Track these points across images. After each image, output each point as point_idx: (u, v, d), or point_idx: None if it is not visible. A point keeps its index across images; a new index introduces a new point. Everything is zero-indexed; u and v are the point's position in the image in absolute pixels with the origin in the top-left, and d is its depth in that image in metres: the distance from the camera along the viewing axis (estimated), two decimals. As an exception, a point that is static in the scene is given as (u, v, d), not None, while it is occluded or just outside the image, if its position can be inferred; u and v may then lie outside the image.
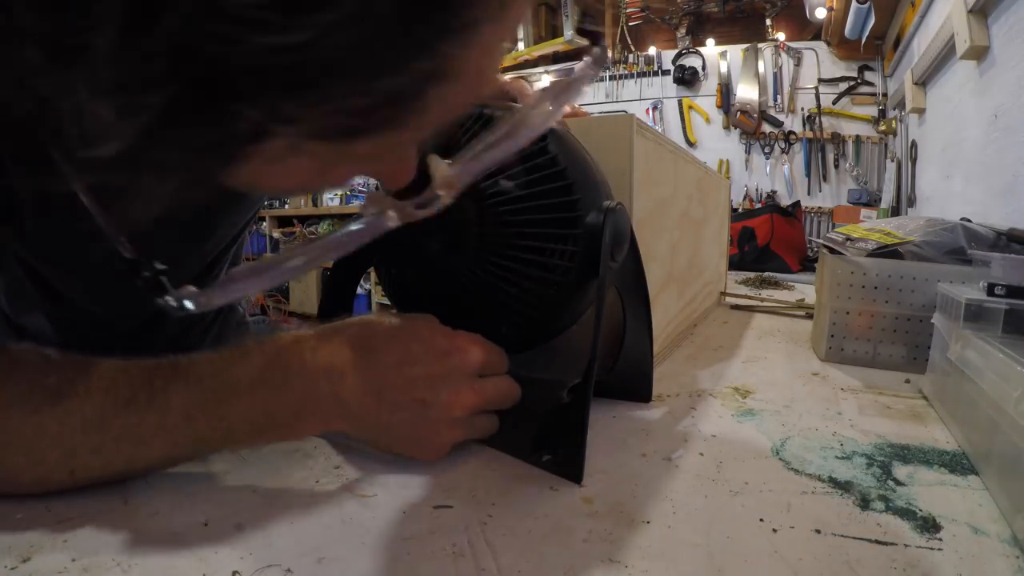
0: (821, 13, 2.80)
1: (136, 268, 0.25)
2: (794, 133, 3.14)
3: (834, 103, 3.05)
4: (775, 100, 3.19)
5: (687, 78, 3.36)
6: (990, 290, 0.49)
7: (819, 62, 3.08)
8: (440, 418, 0.39)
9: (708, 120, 3.37)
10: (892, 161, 2.50)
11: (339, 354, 0.37)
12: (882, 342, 0.68)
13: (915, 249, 0.71)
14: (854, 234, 0.79)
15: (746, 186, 3.25)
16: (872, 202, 2.89)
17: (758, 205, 3.07)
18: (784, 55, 3.14)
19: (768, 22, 3.25)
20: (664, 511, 0.36)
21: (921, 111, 2.02)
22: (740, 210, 2.71)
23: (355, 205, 3.70)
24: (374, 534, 0.33)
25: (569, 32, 3.22)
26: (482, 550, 0.31)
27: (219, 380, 0.35)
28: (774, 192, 3.20)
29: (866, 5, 2.25)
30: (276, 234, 3.89)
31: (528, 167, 0.40)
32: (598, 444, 0.44)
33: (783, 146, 3.17)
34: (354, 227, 0.26)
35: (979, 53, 1.32)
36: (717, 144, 3.34)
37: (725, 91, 3.28)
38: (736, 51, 3.25)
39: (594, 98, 3.56)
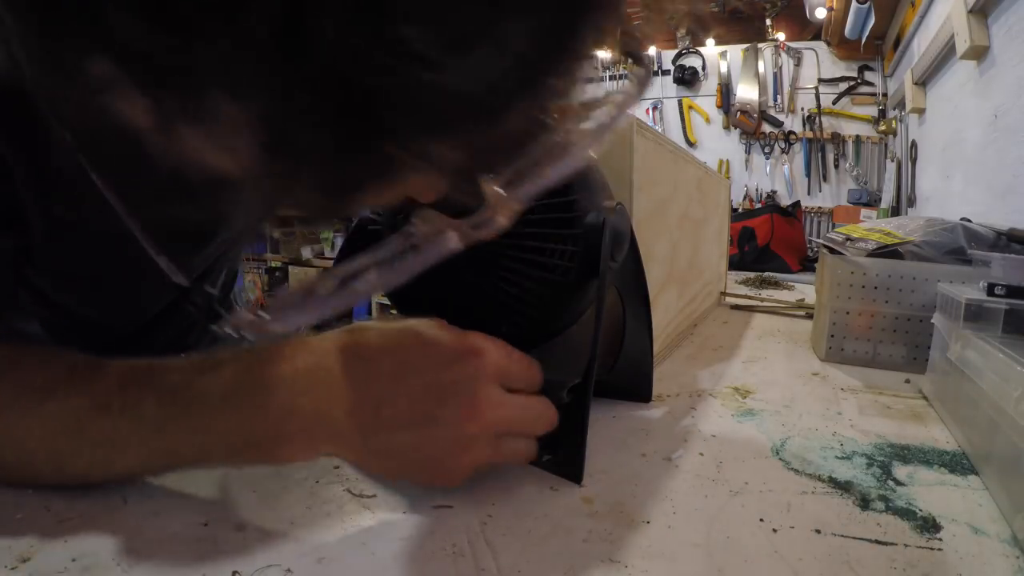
0: (821, 13, 2.80)
1: (187, 295, 0.25)
2: (794, 133, 3.14)
3: (834, 103, 3.05)
4: (775, 100, 3.19)
5: (687, 78, 3.36)
6: (990, 290, 0.49)
7: (819, 62, 3.08)
8: (451, 436, 0.33)
9: (708, 120, 3.37)
10: (892, 161, 2.50)
11: (324, 364, 0.32)
12: (882, 342, 0.68)
13: (915, 249, 0.71)
14: (854, 234, 0.79)
15: (746, 186, 3.25)
16: (872, 202, 2.89)
17: (758, 205, 3.07)
18: (784, 55, 3.14)
19: (768, 22, 3.25)
20: (664, 511, 0.36)
21: (921, 111, 2.02)
22: (740, 210, 2.71)
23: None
24: (374, 534, 0.33)
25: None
26: (482, 550, 0.31)
27: (190, 392, 0.33)
28: (774, 192, 3.21)
29: (866, 5, 2.26)
30: (276, 234, 3.88)
31: None
32: (598, 444, 0.44)
33: (783, 146, 3.17)
34: (415, 252, 0.24)
35: (979, 53, 1.32)
36: (717, 144, 3.34)
37: (725, 91, 3.28)
38: (736, 51, 3.25)
39: (594, 98, 3.55)
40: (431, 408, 0.33)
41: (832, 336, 0.69)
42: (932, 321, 0.57)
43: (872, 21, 2.35)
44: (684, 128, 3.40)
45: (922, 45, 1.90)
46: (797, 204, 2.59)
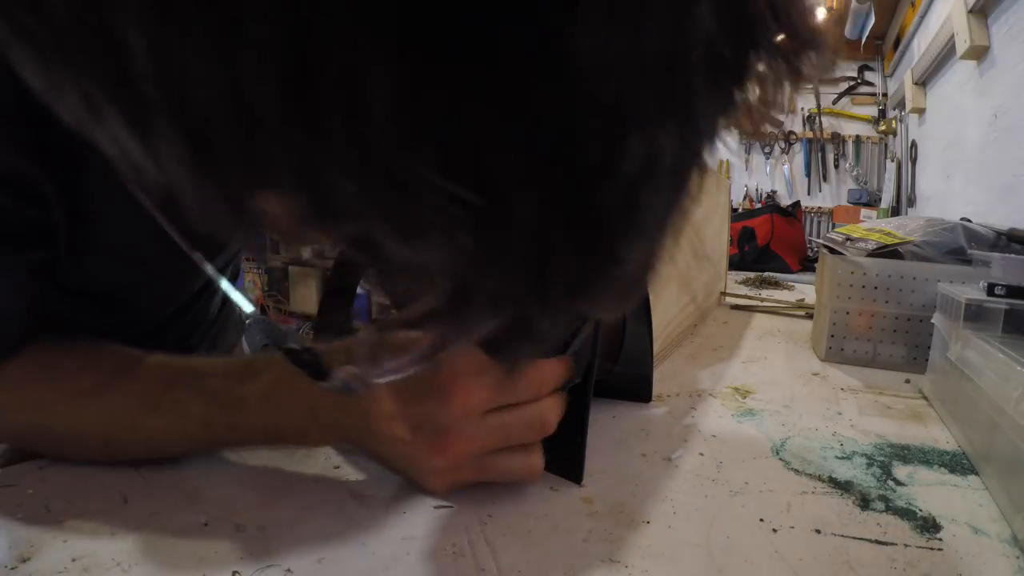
0: (821, 13, 2.79)
1: (295, 356, 0.27)
2: (794, 133, 3.14)
3: (834, 103, 3.05)
4: (775, 100, 3.18)
5: (687, 78, 3.36)
6: (990, 290, 0.49)
7: (819, 62, 3.08)
8: (423, 465, 0.36)
9: (708, 120, 3.36)
10: (892, 161, 2.50)
11: None
12: (882, 342, 0.68)
13: (915, 249, 0.71)
14: (854, 234, 0.79)
15: (746, 186, 3.25)
16: (872, 202, 2.89)
17: (758, 205, 3.07)
18: (784, 55, 3.14)
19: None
20: (664, 511, 0.36)
21: (921, 111, 2.02)
22: (740, 210, 2.71)
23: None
24: (374, 534, 0.33)
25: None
26: (482, 550, 0.31)
27: (232, 396, 0.38)
28: (774, 192, 3.21)
29: (866, 5, 2.26)
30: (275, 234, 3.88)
31: None
32: (598, 444, 0.44)
33: (783, 146, 3.17)
34: None
35: (979, 53, 1.32)
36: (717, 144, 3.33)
37: (725, 91, 3.28)
38: (736, 51, 3.25)
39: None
40: (404, 433, 0.35)
41: (832, 336, 0.69)
42: (932, 321, 0.57)
43: (872, 21, 2.35)
44: (684, 128, 3.40)
45: (922, 45, 1.90)
46: (797, 204, 2.59)
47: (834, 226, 2.74)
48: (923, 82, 1.95)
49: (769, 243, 1.97)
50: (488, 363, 0.35)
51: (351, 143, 0.11)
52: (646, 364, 0.53)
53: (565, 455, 0.39)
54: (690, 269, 0.81)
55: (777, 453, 0.44)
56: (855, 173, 3.02)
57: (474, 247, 0.13)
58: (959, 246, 0.70)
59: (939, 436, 0.48)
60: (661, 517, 0.35)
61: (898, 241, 0.72)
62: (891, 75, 2.75)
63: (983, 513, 0.36)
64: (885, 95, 2.88)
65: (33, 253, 0.38)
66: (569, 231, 0.13)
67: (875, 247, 0.72)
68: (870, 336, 0.68)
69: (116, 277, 0.44)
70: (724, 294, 1.13)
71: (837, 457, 0.43)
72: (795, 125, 3.14)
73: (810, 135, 3.10)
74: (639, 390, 0.54)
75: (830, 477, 0.40)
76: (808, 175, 3.13)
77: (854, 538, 0.33)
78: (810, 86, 0.17)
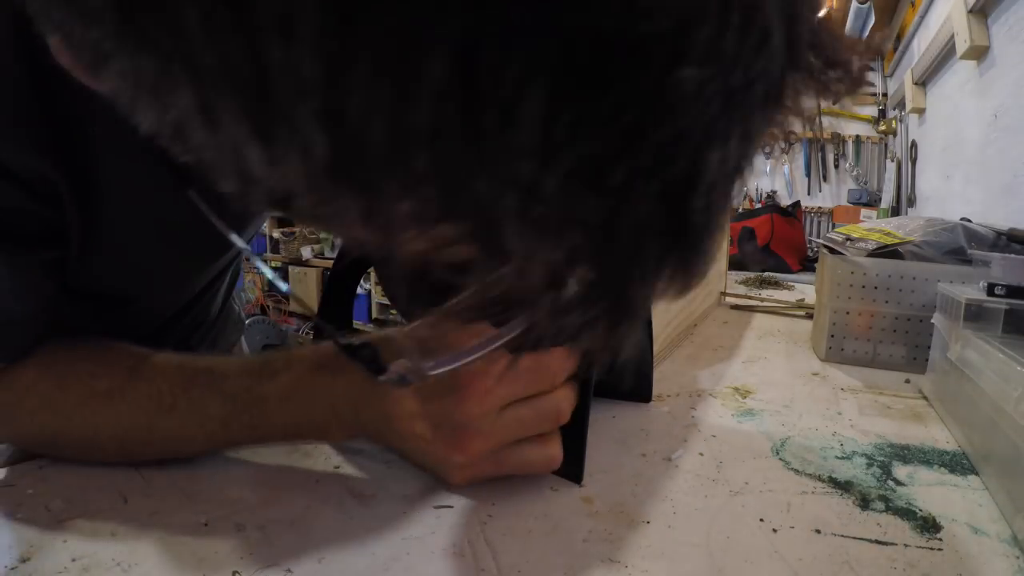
0: (821, 13, 2.79)
1: (353, 352, 0.27)
2: (794, 133, 3.13)
3: (833, 103, 3.04)
4: (775, 100, 3.18)
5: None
6: (990, 290, 0.49)
7: (819, 62, 3.08)
8: (441, 460, 0.36)
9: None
10: (892, 161, 2.50)
11: (352, 383, 0.37)
12: (882, 342, 0.68)
13: (915, 249, 0.71)
14: (854, 234, 0.79)
15: (746, 186, 3.25)
16: (872, 202, 2.89)
17: (758, 205, 3.07)
18: (784, 55, 3.14)
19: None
20: (664, 511, 0.36)
21: (921, 111, 2.02)
22: (740, 210, 2.70)
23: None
24: (374, 534, 0.33)
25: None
26: (482, 550, 0.31)
27: (251, 395, 0.38)
28: (774, 192, 3.20)
29: (866, 5, 2.25)
30: (276, 234, 3.88)
31: None
32: (598, 444, 0.44)
33: (783, 146, 3.16)
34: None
35: (979, 53, 1.32)
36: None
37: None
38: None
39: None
40: (424, 431, 0.36)
41: (832, 336, 0.69)
42: (932, 321, 0.57)
43: (872, 21, 2.35)
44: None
45: (922, 45, 1.90)
46: (797, 204, 2.58)
47: (834, 226, 2.74)
48: (923, 82, 1.95)
49: (769, 243, 1.97)
50: (503, 360, 0.35)
51: (502, 150, 0.13)
52: (646, 364, 0.53)
53: (565, 455, 0.39)
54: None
55: (777, 453, 0.44)
56: (855, 173, 3.01)
57: (590, 240, 0.15)
58: (959, 246, 0.70)
59: (939, 436, 0.48)
60: (661, 517, 0.35)
61: (898, 241, 0.72)
62: (891, 75, 2.74)
63: (983, 513, 0.36)
64: (885, 95, 2.87)
65: (46, 253, 0.38)
66: (667, 228, 0.15)
67: (875, 247, 0.72)
68: (870, 336, 0.68)
69: (120, 279, 0.44)
70: (724, 294, 1.13)
71: (837, 457, 0.43)
72: (795, 125, 3.14)
73: (810, 135, 3.09)
74: (639, 390, 0.54)
75: (830, 477, 0.40)
76: (808, 175, 3.13)
77: (854, 538, 0.33)
78: (836, 103, 0.20)
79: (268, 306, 4.11)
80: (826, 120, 3.05)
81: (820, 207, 3.08)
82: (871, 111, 2.96)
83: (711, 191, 0.15)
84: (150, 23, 0.13)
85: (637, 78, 0.12)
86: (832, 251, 0.75)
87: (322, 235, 3.85)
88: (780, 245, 1.97)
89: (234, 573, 0.29)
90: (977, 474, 0.41)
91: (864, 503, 0.37)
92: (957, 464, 0.43)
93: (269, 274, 0.34)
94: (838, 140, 3.05)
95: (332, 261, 0.52)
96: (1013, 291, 0.48)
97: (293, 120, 0.13)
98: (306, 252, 3.72)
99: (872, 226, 0.82)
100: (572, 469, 0.39)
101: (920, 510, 0.36)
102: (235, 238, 0.28)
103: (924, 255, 0.70)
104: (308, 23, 0.12)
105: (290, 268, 3.85)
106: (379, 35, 0.12)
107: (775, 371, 0.66)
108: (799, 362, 0.70)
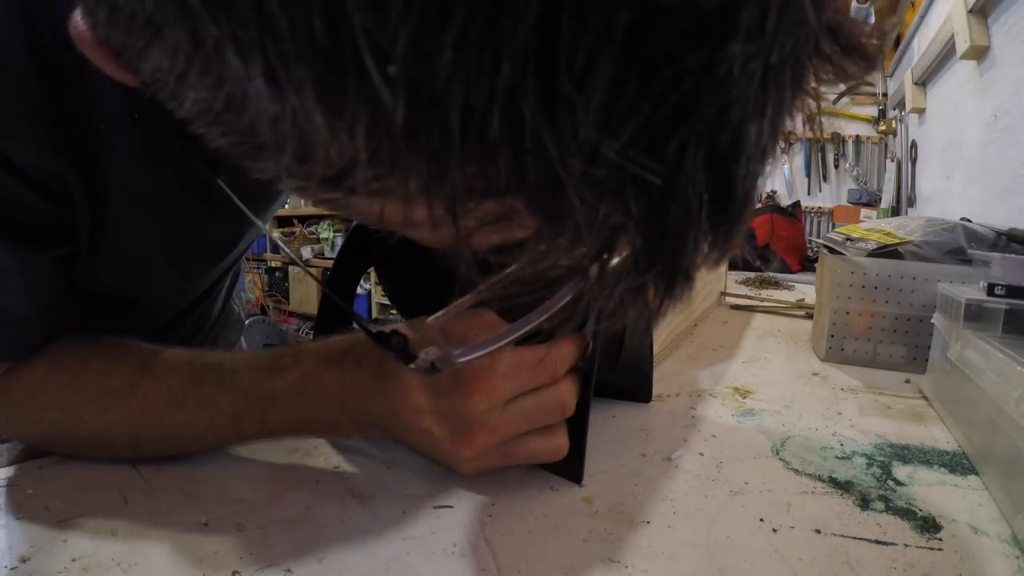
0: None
1: (385, 341, 0.28)
2: (794, 133, 3.13)
3: (835, 102, 3.04)
4: (775, 100, 3.18)
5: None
6: (990, 290, 0.49)
7: (819, 62, 3.08)
8: (452, 455, 0.36)
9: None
10: (892, 161, 2.49)
11: (361, 378, 0.37)
12: (882, 342, 0.68)
13: (915, 249, 0.71)
14: (854, 234, 0.79)
15: (772, 166, 3.24)
16: (872, 202, 2.89)
17: (758, 205, 3.07)
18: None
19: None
20: (664, 511, 0.36)
21: (921, 111, 2.02)
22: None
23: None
24: (374, 534, 0.33)
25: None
26: (482, 550, 0.31)
27: (261, 390, 0.38)
28: (774, 192, 3.20)
29: (866, 5, 2.25)
30: (276, 234, 3.89)
31: None
32: (598, 444, 0.44)
33: (783, 146, 3.16)
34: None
35: (979, 53, 1.32)
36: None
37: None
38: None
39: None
40: (431, 427, 0.36)
41: (832, 336, 0.69)
42: (932, 321, 0.57)
43: (872, 21, 2.35)
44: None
45: (922, 45, 1.90)
46: (797, 204, 2.59)
47: (834, 226, 2.74)
48: (923, 82, 1.95)
49: (769, 243, 1.97)
50: (507, 354, 0.36)
51: (572, 114, 0.13)
52: (646, 364, 0.53)
53: (565, 455, 0.39)
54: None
55: (777, 453, 0.44)
56: (855, 173, 3.01)
57: (648, 202, 0.15)
58: (959, 246, 0.70)
59: (939, 436, 0.48)
60: (661, 517, 0.35)
61: (898, 241, 0.72)
62: (891, 75, 2.74)
63: (983, 513, 0.36)
64: (885, 95, 2.87)
65: (56, 251, 0.38)
66: (715, 195, 0.16)
67: (875, 247, 0.72)
68: (870, 336, 0.68)
69: (123, 280, 0.44)
70: (724, 294, 1.13)
71: (837, 457, 0.43)
72: (796, 121, 3.14)
73: (810, 135, 3.09)
74: (639, 390, 0.54)
75: (830, 477, 0.40)
76: (808, 175, 3.13)
77: (854, 538, 0.33)
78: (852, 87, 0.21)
79: (268, 306, 4.11)
80: (826, 120, 3.04)
81: (820, 207, 3.08)
82: (871, 111, 2.95)
83: (750, 162, 0.16)
84: None
85: (694, 52, 0.13)
86: (832, 251, 0.75)
87: (322, 235, 3.85)
88: (780, 245, 1.97)
89: (234, 573, 0.29)
90: (977, 474, 0.41)
91: (864, 503, 0.37)
92: (957, 464, 0.43)
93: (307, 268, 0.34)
94: (838, 140, 3.05)
95: (332, 261, 0.52)
96: (1013, 291, 0.48)
97: (369, 86, 0.13)
98: (306, 252, 3.72)
99: (872, 226, 0.82)
100: (572, 469, 0.39)
101: (920, 510, 0.36)
102: (261, 225, 0.28)
103: (924, 255, 0.70)
104: None
105: (290, 268, 3.85)
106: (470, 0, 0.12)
107: (775, 371, 0.66)
108: (799, 362, 0.70)
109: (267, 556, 0.30)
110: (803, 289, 1.31)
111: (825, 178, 3.10)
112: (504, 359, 0.35)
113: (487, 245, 0.18)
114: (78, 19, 0.19)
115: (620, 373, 0.50)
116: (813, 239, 2.36)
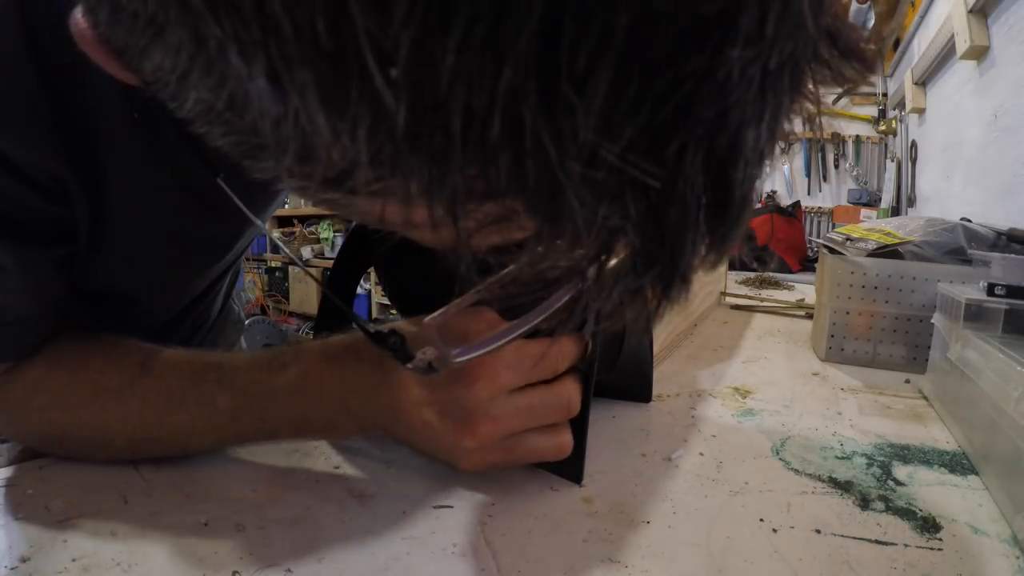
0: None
1: (382, 341, 0.27)
2: (793, 134, 3.13)
3: (834, 103, 3.04)
4: (775, 100, 3.18)
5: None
6: (990, 290, 0.49)
7: (819, 62, 3.08)
8: (452, 447, 0.36)
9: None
10: (892, 161, 2.49)
11: (361, 374, 0.37)
12: (882, 342, 0.68)
13: (915, 249, 0.71)
14: (854, 234, 0.79)
15: (769, 170, 3.24)
16: (872, 202, 2.89)
17: (758, 205, 3.07)
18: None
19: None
20: (664, 511, 0.36)
21: (921, 111, 2.02)
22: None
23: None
24: (374, 534, 0.33)
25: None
26: (482, 550, 0.31)
27: (260, 389, 0.38)
28: (774, 192, 3.20)
29: (866, 5, 2.25)
30: (276, 234, 3.89)
31: None
32: (598, 444, 0.44)
33: (782, 146, 3.16)
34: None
35: (979, 53, 1.32)
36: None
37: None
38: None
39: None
40: (432, 419, 0.36)
41: (832, 336, 0.69)
42: (932, 321, 0.57)
43: (872, 21, 2.35)
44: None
45: (922, 45, 1.90)
46: (797, 204, 2.59)
47: (834, 226, 2.74)
48: (923, 82, 1.95)
49: (769, 243, 1.97)
50: (510, 345, 0.35)
51: (573, 117, 0.14)
52: (646, 364, 0.53)
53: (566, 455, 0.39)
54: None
55: (777, 453, 0.44)
56: (855, 173, 3.01)
57: (647, 205, 0.15)
58: (959, 246, 0.70)
59: (939, 436, 0.48)
60: (661, 517, 0.35)
61: (898, 241, 0.72)
62: (891, 75, 2.74)
63: (983, 513, 0.36)
64: (885, 95, 2.87)
65: (56, 251, 0.38)
66: (712, 198, 0.16)
67: (875, 247, 0.72)
68: (870, 336, 0.68)
69: (122, 280, 0.44)
70: (724, 294, 1.13)
71: (837, 457, 0.43)
72: (794, 125, 3.14)
73: (810, 135, 3.09)
74: (639, 390, 0.54)
75: (830, 477, 0.40)
76: (808, 175, 3.13)
77: (854, 538, 0.33)
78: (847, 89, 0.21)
79: (268, 306, 4.11)
80: (826, 120, 3.04)
81: (820, 207, 3.08)
82: (871, 111, 2.95)
83: (747, 166, 0.16)
84: None
85: (694, 56, 0.13)
86: (832, 251, 0.75)
87: (322, 236, 3.85)
88: (780, 245, 1.97)
89: (234, 573, 0.29)
90: (977, 474, 0.41)
91: (864, 503, 0.37)
92: (957, 464, 0.43)
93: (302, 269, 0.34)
94: (838, 140, 3.05)
95: (332, 261, 0.52)
96: (1013, 291, 0.48)
97: (372, 88, 0.13)
98: (306, 252, 3.72)
99: (872, 226, 0.82)
100: (572, 469, 0.39)
101: (920, 510, 0.36)
102: (261, 225, 0.28)
103: (924, 255, 0.70)
104: None
105: (290, 268, 3.85)
106: (474, 2, 0.12)
107: (775, 371, 0.66)
108: (799, 362, 0.70)
109: (267, 556, 0.30)
110: (803, 289, 1.31)
111: (825, 178, 3.10)
112: (506, 350, 0.34)
113: (487, 246, 0.18)
114: (78, 17, 0.19)
115: (620, 373, 0.50)
116: (813, 239, 2.36)
